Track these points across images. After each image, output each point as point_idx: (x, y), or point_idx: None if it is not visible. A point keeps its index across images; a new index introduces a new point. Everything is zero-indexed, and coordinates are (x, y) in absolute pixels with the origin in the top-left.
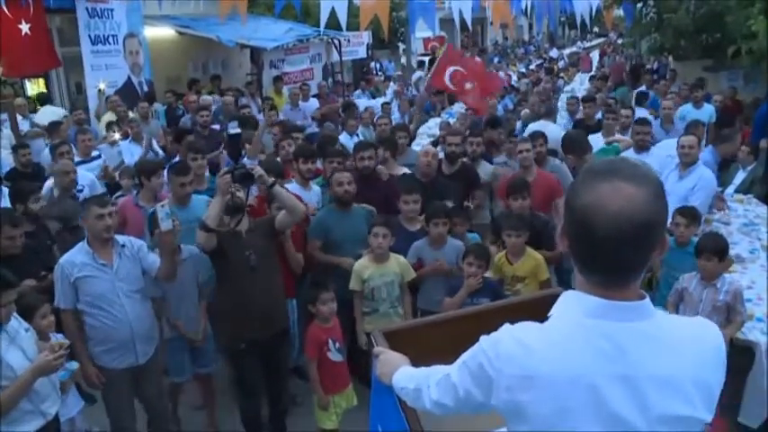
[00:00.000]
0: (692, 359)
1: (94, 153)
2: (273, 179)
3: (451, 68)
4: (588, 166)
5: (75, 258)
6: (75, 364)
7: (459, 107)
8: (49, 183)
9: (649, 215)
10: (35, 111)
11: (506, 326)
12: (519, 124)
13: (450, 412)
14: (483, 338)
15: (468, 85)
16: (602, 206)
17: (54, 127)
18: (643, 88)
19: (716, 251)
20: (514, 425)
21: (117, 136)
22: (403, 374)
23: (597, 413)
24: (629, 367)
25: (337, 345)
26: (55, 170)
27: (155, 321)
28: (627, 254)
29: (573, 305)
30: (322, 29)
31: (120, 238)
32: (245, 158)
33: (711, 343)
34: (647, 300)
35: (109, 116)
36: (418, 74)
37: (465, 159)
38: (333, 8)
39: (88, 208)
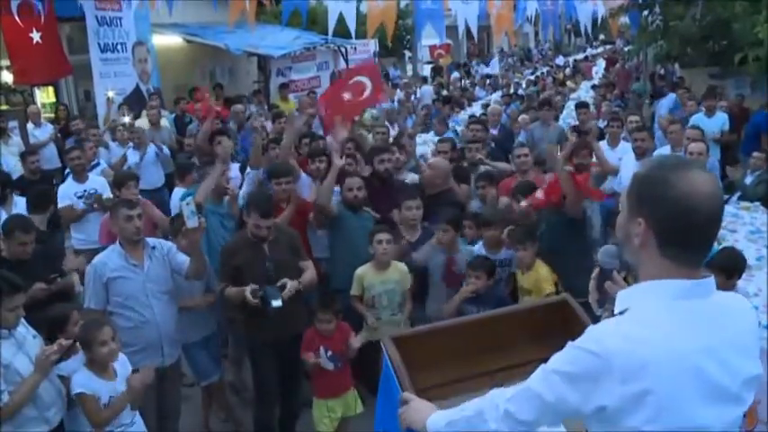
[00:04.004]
0: (746, 323)
1: (94, 162)
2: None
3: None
4: (655, 162)
5: (108, 259)
6: None
7: (464, 115)
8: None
9: (722, 194)
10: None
11: (599, 326)
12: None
13: (523, 428)
14: (580, 341)
15: (346, 96)
16: (699, 191)
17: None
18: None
19: (724, 268)
20: (628, 418)
21: (126, 119)
22: (443, 414)
23: (703, 387)
24: (715, 338)
25: (329, 353)
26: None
27: (179, 323)
28: (717, 230)
29: (656, 292)
30: (330, 36)
31: (151, 240)
32: (248, 168)
33: (749, 309)
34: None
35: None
36: (426, 88)
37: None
38: (340, 14)
39: (117, 210)
